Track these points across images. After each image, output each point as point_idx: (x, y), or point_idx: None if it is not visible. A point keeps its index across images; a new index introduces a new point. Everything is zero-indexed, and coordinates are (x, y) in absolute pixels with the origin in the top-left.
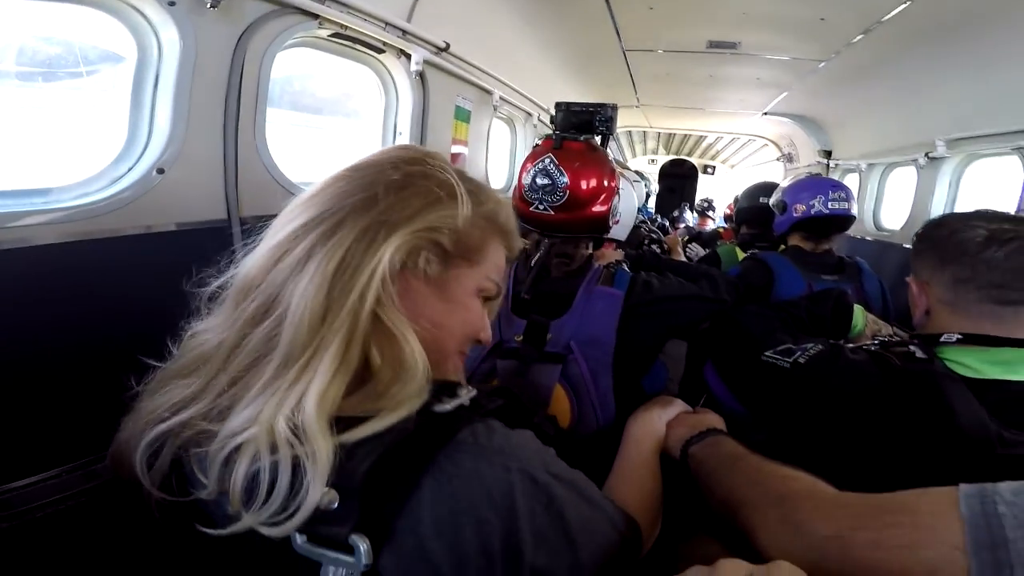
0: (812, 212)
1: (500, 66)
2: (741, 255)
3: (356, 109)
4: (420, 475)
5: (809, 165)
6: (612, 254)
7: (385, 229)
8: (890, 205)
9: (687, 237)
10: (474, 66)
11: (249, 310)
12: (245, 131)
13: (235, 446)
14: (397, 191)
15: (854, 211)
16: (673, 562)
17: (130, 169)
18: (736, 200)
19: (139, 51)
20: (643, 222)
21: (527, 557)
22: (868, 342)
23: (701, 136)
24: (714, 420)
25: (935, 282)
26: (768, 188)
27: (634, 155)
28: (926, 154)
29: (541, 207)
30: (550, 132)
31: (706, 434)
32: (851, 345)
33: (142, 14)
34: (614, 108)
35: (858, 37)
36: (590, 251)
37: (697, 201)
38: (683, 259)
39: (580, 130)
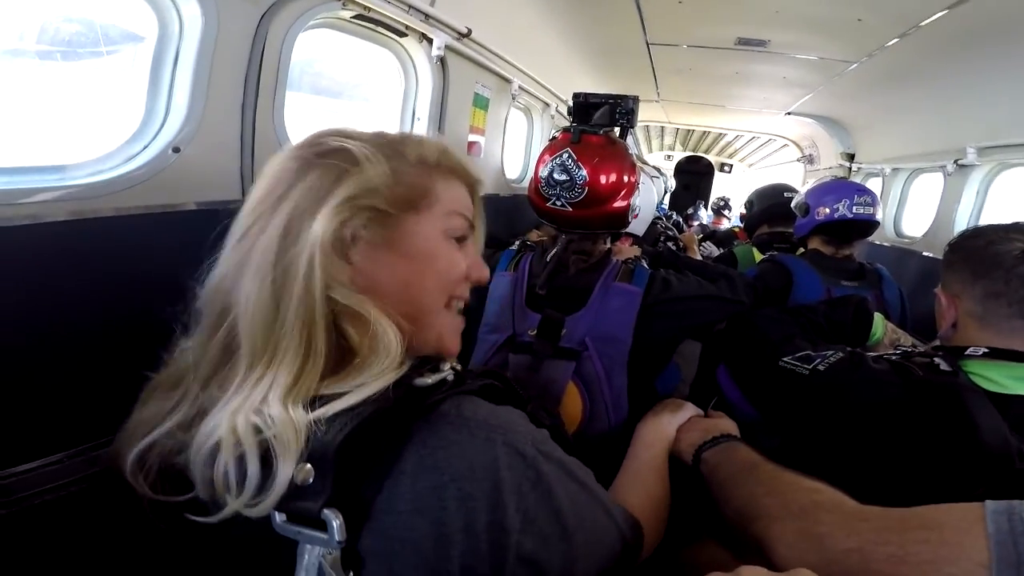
0: (836, 216)
1: (520, 54)
2: (759, 256)
3: (375, 94)
4: (400, 448)
5: (830, 168)
6: (629, 250)
7: (304, 218)
8: (912, 212)
9: (701, 235)
10: (495, 53)
11: (211, 320)
12: (263, 112)
13: (210, 447)
14: (300, 179)
15: (879, 217)
16: (676, 567)
17: (145, 147)
18: (749, 203)
19: (160, 28)
20: (659, 218)
21: (513, 538)
22: (889, 351)
23: (720, 133)
24: (728, 425)
25: (965, 295)
26: (789, 187)
27: (650, 150)
28: (955, 161)
29: (559, 203)
30: (567, 124)
31: (720, 439)
32: (872, 354)
33: None
34: (635, 100)
35: (893, 40)
36: (608, 246)
37: (713, 199)
38: (699, 258)
39: (599, 123)
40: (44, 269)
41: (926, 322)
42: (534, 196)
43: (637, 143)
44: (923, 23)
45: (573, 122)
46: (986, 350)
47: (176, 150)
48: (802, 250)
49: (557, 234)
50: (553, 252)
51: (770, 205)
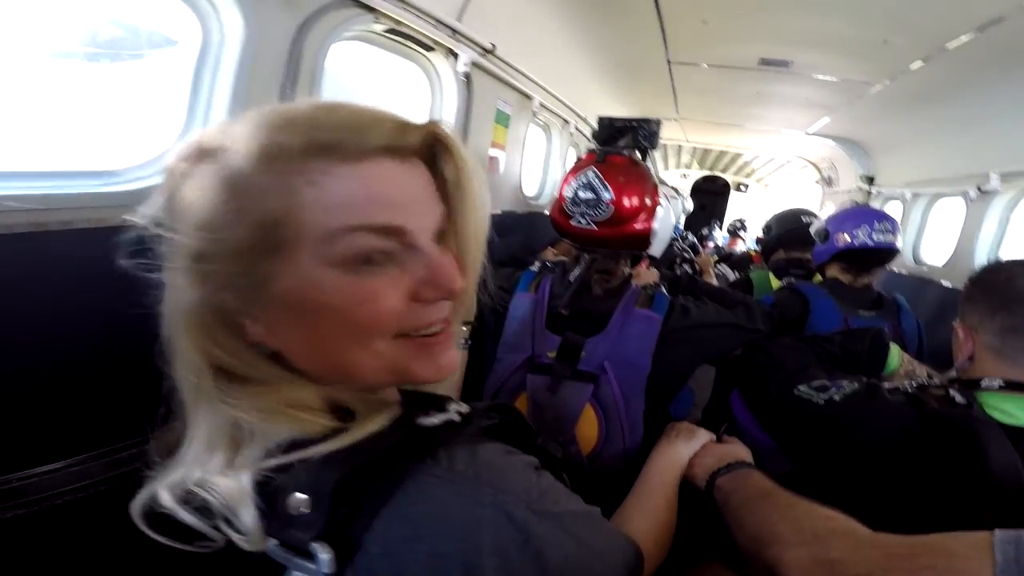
0: (856, 243)
1: (541, 71)
2: (775, 282)
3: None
4: (392, 489)
5: (849, 190)
6: (648, 274)
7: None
8: (931, 238)
9: (716, 258)
10: (517, 70)
11: None
12: None
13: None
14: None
15: (899, 244)
16: None
17: None
18: (768, 227)
19: (203, 34)
20: (674, 239)
21: None
22: (904, 382)
23: (737, 153)
24: (742, 452)
25: (984, 328)
26: (808, 211)
27: (666, 168)
28: (978, 187)
29: (583, 221)
30: (591, 146)
31: (734, 466)
32: (888, 384)
33: None
34: (658, 123)
35: (917, 62)
36: (629, 270)
37: (729, 221)
38: (714, 281)
39: (624, 145)
40: (80, 273)
41: (942, 353)
42: (558, 215)
43: (654, 161)
44: (949, 46)
45: (598, 143)
46: (1002, 383)
47: None
48: (819, 277)
49: (579, 254)
50: (576, 273)
51: (788, 230)
